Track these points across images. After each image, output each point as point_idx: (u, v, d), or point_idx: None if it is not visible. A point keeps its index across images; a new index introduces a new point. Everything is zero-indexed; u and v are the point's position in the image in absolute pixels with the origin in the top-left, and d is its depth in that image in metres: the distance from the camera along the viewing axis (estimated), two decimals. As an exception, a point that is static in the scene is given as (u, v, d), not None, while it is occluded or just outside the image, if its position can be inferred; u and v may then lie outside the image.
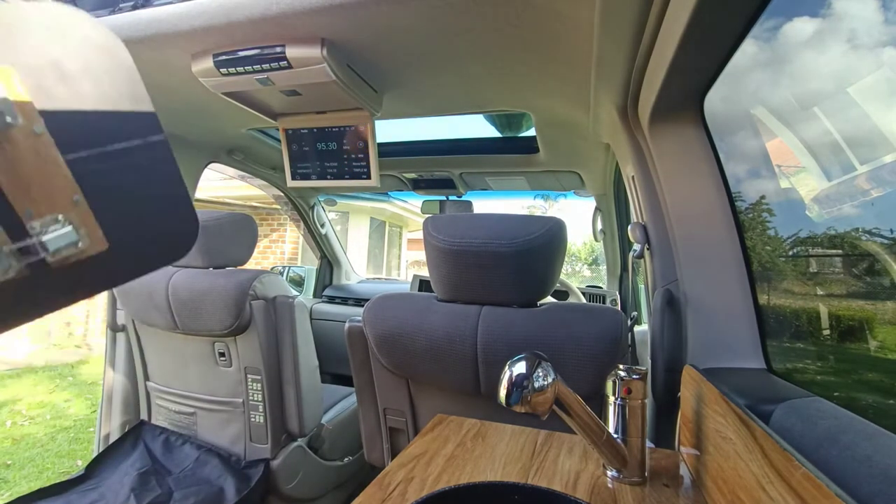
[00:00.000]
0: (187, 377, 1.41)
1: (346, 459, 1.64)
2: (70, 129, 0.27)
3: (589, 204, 2.26)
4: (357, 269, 2.94)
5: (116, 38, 0.30)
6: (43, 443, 2.84)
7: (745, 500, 0.46)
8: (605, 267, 2.54)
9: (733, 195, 0.76)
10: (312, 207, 2.45)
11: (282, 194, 2.36)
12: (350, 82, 1.02)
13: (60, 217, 0.26)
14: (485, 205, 2.44)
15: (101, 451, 1.36)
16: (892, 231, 0.54)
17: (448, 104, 1.26)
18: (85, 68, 0.28)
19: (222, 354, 1.33)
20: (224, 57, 0.95)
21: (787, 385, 0.62)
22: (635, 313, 2.03)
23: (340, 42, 0.91)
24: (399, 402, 1.00)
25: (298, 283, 2.61)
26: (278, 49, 0.91)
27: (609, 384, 0.63)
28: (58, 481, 1.20)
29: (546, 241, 0.84)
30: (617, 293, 2.20)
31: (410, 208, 8.61)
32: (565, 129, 1.36)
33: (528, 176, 1.91)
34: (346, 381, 2.11)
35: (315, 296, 2.62)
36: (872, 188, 0.57)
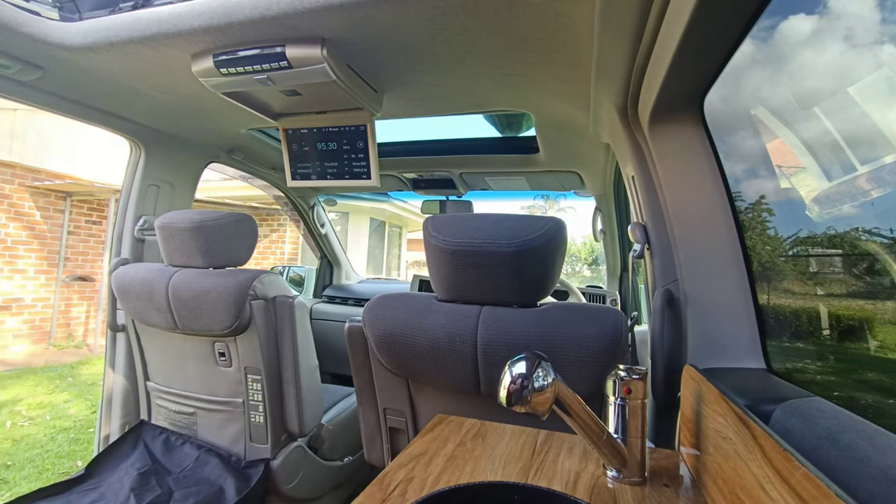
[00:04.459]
0: (187, 377, 1.41)
1: (346, 459, 1.63)
2: None
3: (590, 204, 2.26)
4: (357, 270, 2.94)
5: None
6: (43, 443, 2.84)
7: (745, 500, 0.46)
8: (605, 267, 2.54)
9: (733, 195, 0.76)
10: (312, 207, 2.45)
11: (282, 194, 2.36)
12: (350, 82, 1.02)
13: None
14: (485, 205, 2.44)
15: (101, 451, 1.36)
16: (892, 231, 0.54)
17: (448, 104, 1.26)
18: None
19: (222, 354, 1.33)
20: (224, 57, 0.95)
21: (787, 385, 0.62)
22: (635, 313, 2.03)
23: (340, 42, 0.91)
24: (399, 402, 1.00)
25: (298, 283, 2.61)
26: (278, 49, 0.91)
27: (609, 384, 0.63)
28: (58, 481, 1.20)
29: (546, 241, 0.84)
30: (617, 293, 2.19)
31: (410, 208, 8.62)
32: (565, 129, 1.36)
33: (528, 176, 1.91)
34: (346, 381, 2.11)
35: (315, 296, 2.62)
36: (872, 188, 0.57)
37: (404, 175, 2.05)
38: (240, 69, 0.96)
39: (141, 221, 1.61)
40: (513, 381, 0.50)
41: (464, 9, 0.77)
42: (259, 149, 1.83)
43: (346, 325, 1.00)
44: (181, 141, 1.67)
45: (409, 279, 2.41)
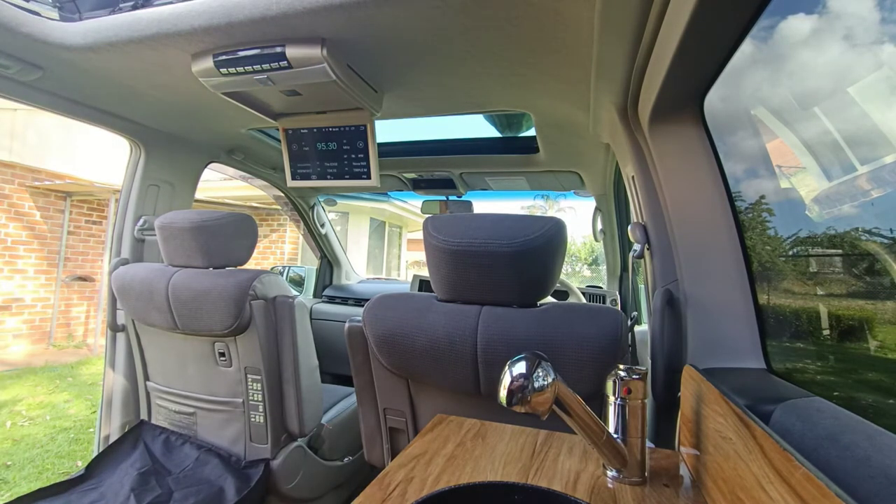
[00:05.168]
0: (187, 377, 1.41)
1: (346, 459, 1.63)
2: None
3: (590, 204, 2.26)
4: (357, 270, 2.94)
5: None
6: (43, 443, 2.84)
7: (745, 500, 0.46)
8: (605, 267, 2.54)
9: (733, 195, 0.76)
10: (312, 207, 2.45)
11: (282, 194, 2.36)
12: (350, 82, 1.02)
13: None
14: (485, 205, 2.44)
15: (101, 451, 1.36)
16: (892, 231, 0.54)
17: (448, 104, 1.26)
18: None
19: (222, 354, 1.33)
20: (224, 57, 0.95)
21: (787, 385, 0.62)
22: (635, 313, 2.03)
23: (340, 42, 0.91)
24: (399, 402, 1.00)
25: (298, 283, 2.61)
26: (278, 49, 0.91)
27: (609, 384, 0.63)
28: (58, 481, 1.20)
29: (546, 241, 0.84)
30: (617, 293, 2.19)
31: (410, 208, 8.62)
32: (565, 129, 1.36)
33: (528, 176, 1.91)
34: (346, 381, 2.11)
35: (315, 296, 2.62)
36: (872, 188, 0.57)
37: (404, 175, 2.05)
38: (240, 69, 0.96)
39: (141, 221, 1.61)
40: (513, 381, 0.50)
41: (464, 9, 0.77)
42: (259, 149, 1.83)
43: (346, 325, 1.00)
44: (181, 141, 1.67)
45: (409, 279, 2.41)
